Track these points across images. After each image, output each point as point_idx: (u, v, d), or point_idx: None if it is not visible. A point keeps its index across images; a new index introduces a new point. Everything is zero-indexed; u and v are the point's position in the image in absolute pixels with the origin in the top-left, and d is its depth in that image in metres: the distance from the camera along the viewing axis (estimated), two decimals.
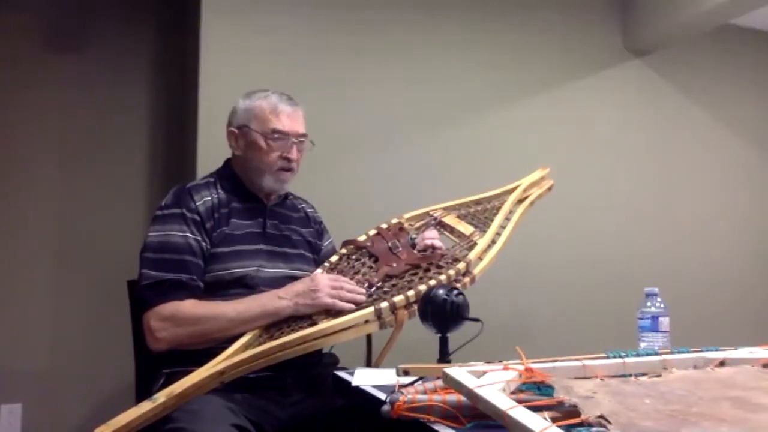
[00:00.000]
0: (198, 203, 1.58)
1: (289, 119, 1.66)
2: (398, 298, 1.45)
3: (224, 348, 1.39)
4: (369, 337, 1.63)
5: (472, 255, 1.63)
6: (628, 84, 3.02)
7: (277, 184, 1.68)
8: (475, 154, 2.69)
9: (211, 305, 1.49)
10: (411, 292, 1.47)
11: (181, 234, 1.54)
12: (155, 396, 1.25)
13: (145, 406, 1.23)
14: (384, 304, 1.44)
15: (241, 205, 1.66)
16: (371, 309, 1.43)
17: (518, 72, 2.82)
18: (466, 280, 1.58)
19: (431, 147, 2.63)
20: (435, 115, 2.65)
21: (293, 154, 1.66)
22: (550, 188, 2.04)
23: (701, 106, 3.18)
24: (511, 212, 1.85)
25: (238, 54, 2.35)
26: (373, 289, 1.53)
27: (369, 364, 1.62)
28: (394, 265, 1.60)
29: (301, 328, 1.42)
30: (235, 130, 1.69)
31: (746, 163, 3.28)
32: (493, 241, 1.73)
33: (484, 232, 1.74)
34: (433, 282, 1.50)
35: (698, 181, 3.15)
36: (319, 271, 1.60)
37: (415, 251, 1.66)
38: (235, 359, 1.34)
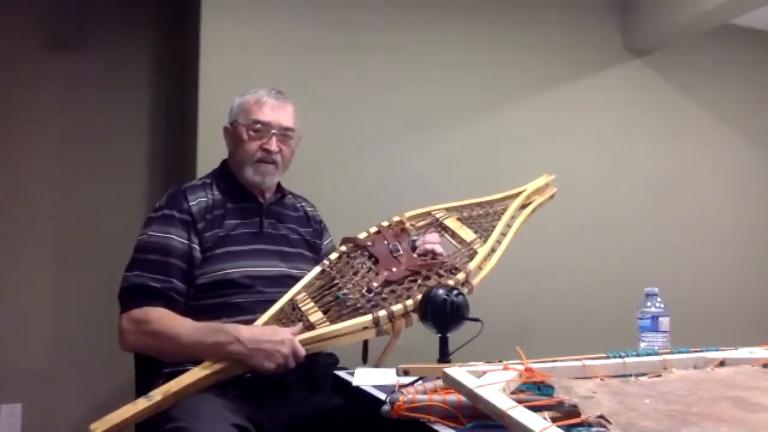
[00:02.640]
0: (192, 203, 1.58)
1: (272, 111, 1.66)
2: (396, 308, 1.45)
3: None
4: (365, 345, 1.63)
5: (472, 265, 1.62)
6: (628, 84, 3.02)
7: (257, 176, 1.66)
8: (474, 154, 2.69)
9: (173, 323, 1.46)
10: (409, 302, 1.47)
11: (165, 235, 1.54)
12: (151, 393, 1.25)
13: (141, 404, 1.23)
14: (382, 313, 1.43)
15: (237, 204, 1.65)
16: (369, 317, 1.43)
17: (518, 72, 2.82)
18: (465, 291, 1.56)
19: (430, 146, 2.63)
20: (434, 115, 2.65)
21: (272, 146, 1.64)
22: (552, 196, 2.02)
23: (701, 106, 3.18)
24: (512, 218, 1.83)
25: (238, 54, 2.35)
26: (371, 295, 1.52)
27: (365, 359, 1.62)
28: (394, 269, 1.59)
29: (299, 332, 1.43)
30: (229, 127, 1.71)
31: (746, 162, 3.28)
32: (493, 249, 1.71)
33: (485, 239, 1.72)
34: None
35: (698, 181, 3.15)
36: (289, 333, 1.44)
37: (415, 255, 1.65)
38: None
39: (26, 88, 2.48)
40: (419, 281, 1.57)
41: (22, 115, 2.47)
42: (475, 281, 1.62)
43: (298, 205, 1.82)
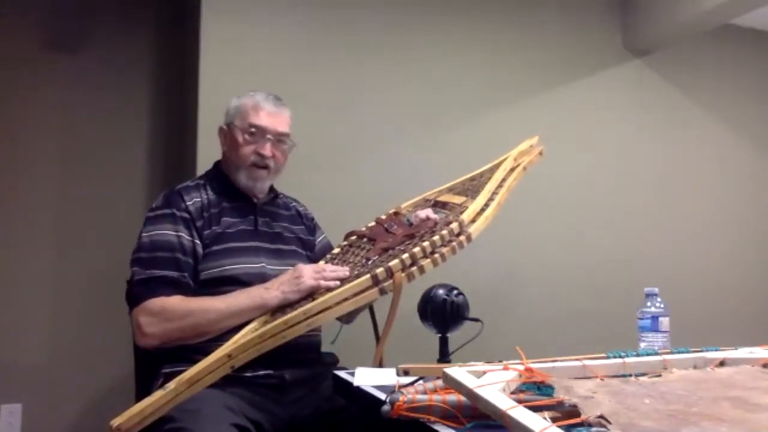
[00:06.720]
0: (188, 203, 1.60)
1: (269, 117, 1.68)
2: (393, 262, 1.44)
3: (219, 344, 1.37)
4: (373, 315, 1.63)
5: (465, 216, 1.61)
6: (628, 84, 3.02)
7: (250, 181, 1.68)
8: (474, 154, 2.66)
9: (199, 299, 1.50)
10: (405, 255, 1.46)
11: (171, 233, 1.55)
12: (166, 385, 1.25)
13: (157, 395, 1.23)
14: (379, 269, 1.43)
15: (232, 204, 1.67)
16: (367, 276, 1.42)
17: (518, 72, 2.82)
18: (462, 238, 1.54)
19: (430, 147, 2.63)
20: (434, 115, 2.65)
21: (266, 150, 1.66)
22: (540, 153, 2.04)
23: (701, 106, 3.18)
24: (504, 180, 1.84)
25: (238, 54, 2.35)
26: (370, 262, 1.53)
27: (376, 330, 1.62)
28: (390, 240, 1.61)
29: (303, 306, 1.43)
30: (224, 128, 1.73)
31: (746, 162, 3.28)
32: (487, 205, 1.70)
33: (475, 198, 1.73)
34: (426, 243, 1.48)
35: (698, 181, 3.15)
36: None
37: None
38: (242, 341, 1.33)
39: (26, 88, 2.48)
40: (415, 241, 1.56)
41: (22, 115, 2.47)
42: (471, 229, 1.59)
43: (290, 204, 1.85)
